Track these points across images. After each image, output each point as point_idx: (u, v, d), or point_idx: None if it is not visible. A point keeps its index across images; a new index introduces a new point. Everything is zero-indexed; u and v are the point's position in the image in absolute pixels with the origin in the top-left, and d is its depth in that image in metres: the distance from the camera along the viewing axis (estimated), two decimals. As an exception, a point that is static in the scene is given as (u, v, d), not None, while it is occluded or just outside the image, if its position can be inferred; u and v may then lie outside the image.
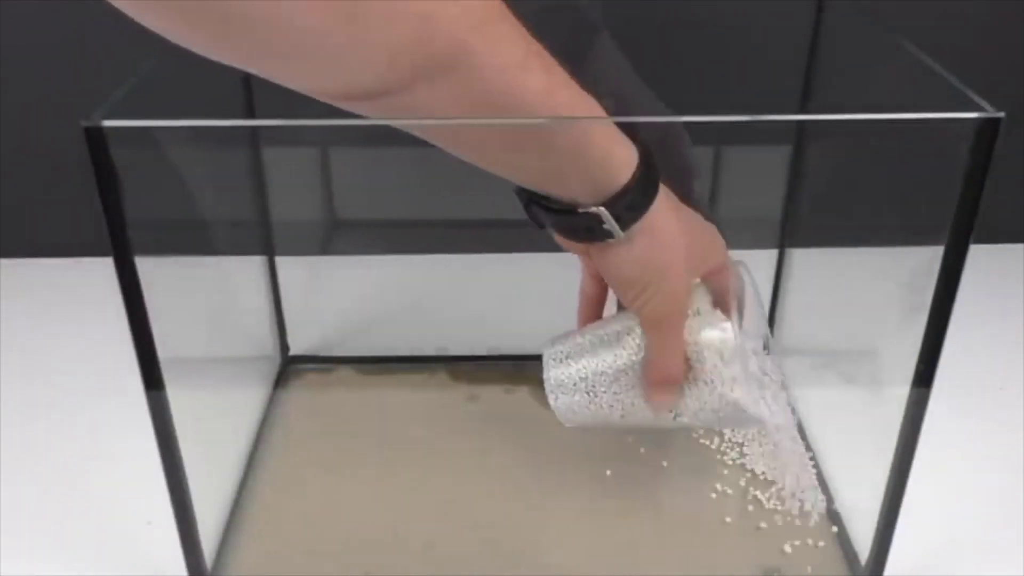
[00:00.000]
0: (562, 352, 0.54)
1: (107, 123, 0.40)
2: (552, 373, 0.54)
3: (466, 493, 0.62)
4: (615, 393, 0.52)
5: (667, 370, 0.51)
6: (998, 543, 0.59)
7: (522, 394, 0.69)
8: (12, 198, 0.85)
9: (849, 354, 0.74)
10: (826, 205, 0.74)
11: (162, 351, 0.46)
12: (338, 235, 0.87)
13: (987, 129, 0.42)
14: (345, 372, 0.73)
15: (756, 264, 0.73)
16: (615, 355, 0.52)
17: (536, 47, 0.43)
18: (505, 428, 0.67)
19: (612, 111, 0.47)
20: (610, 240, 0.47)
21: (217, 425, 0.63)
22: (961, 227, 0.44)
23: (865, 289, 0.73)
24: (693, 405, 0.51)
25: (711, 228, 0.53)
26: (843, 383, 0.72)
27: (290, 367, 0.73)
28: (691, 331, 0.50)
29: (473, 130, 0.45)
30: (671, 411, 0.52)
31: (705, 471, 0.63)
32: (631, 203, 0.47)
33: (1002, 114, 0.41)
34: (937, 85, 0.45)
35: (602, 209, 0.46)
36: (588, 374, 0.52)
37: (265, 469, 0.63)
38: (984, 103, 0.42)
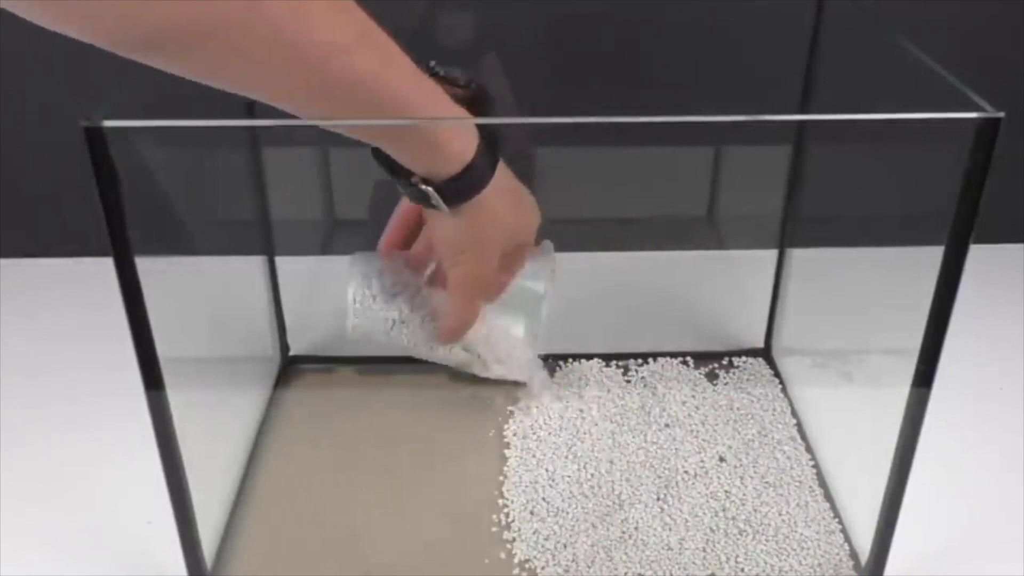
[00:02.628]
0: (374, 287, 0.62)
1: (107, 123, 0.40)
2: (359, 301, 0.62)
3: (466, 493, 0.62)
4: (411, 331, 0.63)
5: (459, 324, 0.61)
6: (998, 543, 0.59)
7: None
8: (12, 198, 0.85)
9: (849, 354, 0.74)
10: (826, 205, 0.74)
11: (162, 351, 0.46)
12: (338, 235, 0.87)
13: (987, 129, 0.42)
14: (345, 372, 0.73)
15: (756, 264, 0.74)
16: (420, 304, 0.62)
17: (371, 30, 0.44)
18: (506, 429, 0.67)
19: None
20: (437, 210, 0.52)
21: (217, 425, 0.63)
22: (961, 227, 0.44)
23: (865, 289, 0.73)
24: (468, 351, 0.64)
25: (535, 211, 0.59)
26: (843, 383, 0.72)
27: (290, 367, 0.73)
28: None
29: (314, 102, 0.46)
30: (449, 348, 0.64)
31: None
32: (459, 189, 0.51)
33: (1002, 114, 0.41)
34: (937, 85, 0.45)
35: (430, 189, 0.50)
36: (395, 313, 0.62)
37: (265, 469, 0.63)
38: (984, 103, 0.42)
